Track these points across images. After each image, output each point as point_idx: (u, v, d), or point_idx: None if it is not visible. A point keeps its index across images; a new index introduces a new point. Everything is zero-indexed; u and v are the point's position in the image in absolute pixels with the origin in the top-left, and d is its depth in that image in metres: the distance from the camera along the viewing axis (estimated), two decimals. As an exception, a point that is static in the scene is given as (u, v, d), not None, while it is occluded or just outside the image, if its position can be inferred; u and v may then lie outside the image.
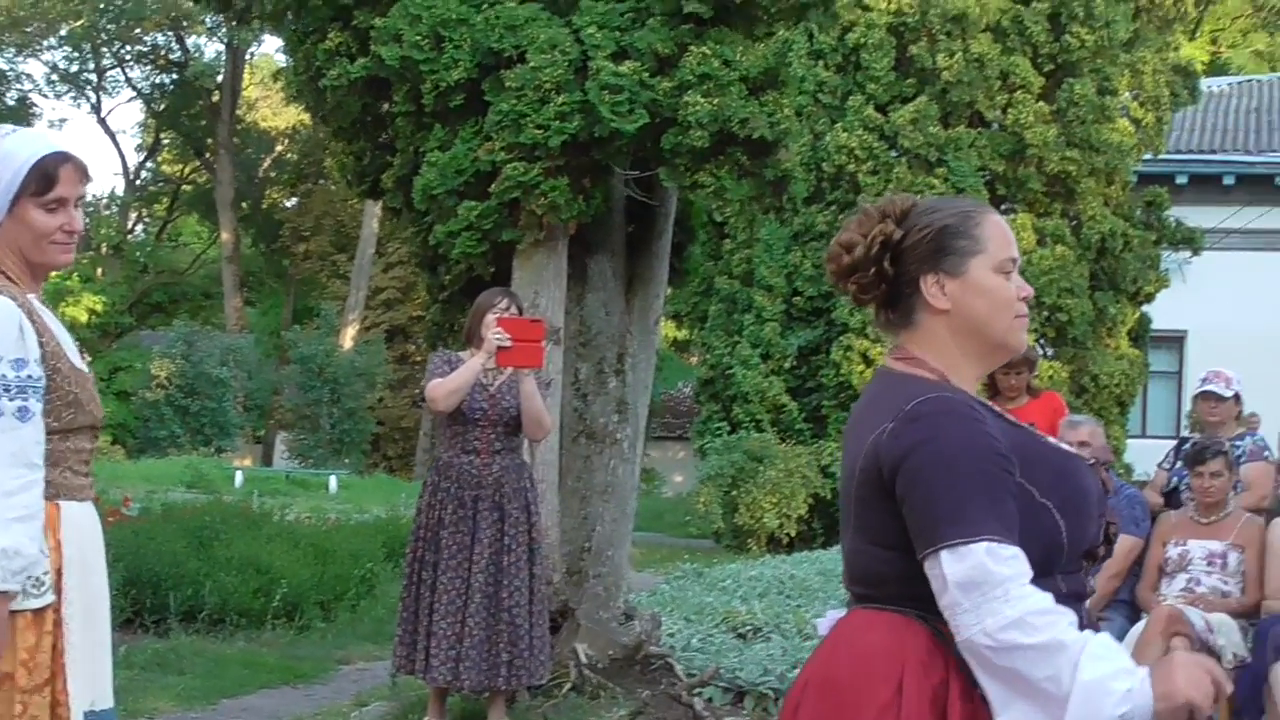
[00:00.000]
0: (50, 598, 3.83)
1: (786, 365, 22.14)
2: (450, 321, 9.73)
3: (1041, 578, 3.16)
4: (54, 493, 3.91)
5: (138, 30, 49.86)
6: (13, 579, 3.70)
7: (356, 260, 43.95)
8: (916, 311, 3.26)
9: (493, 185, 9.05)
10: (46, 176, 3.89)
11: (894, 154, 17.83)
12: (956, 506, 3.05)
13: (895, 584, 3.07)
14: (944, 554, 2.98)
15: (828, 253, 3.35)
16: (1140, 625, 8.70)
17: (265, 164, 51.00)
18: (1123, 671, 2.85)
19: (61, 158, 3.89)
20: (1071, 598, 3.25)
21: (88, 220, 40.46)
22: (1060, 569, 3.27)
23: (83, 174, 3.98)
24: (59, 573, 3.87)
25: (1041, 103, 17.16)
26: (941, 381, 3.24)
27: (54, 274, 5.05)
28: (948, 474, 3.13)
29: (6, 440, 3.77)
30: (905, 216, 3.39)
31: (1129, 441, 18.67)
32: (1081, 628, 3.19)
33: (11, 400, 3.75)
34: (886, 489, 3.04)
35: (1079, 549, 3.31)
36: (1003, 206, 17.89)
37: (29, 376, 3.81)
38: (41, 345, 3.87)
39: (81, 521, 4.03)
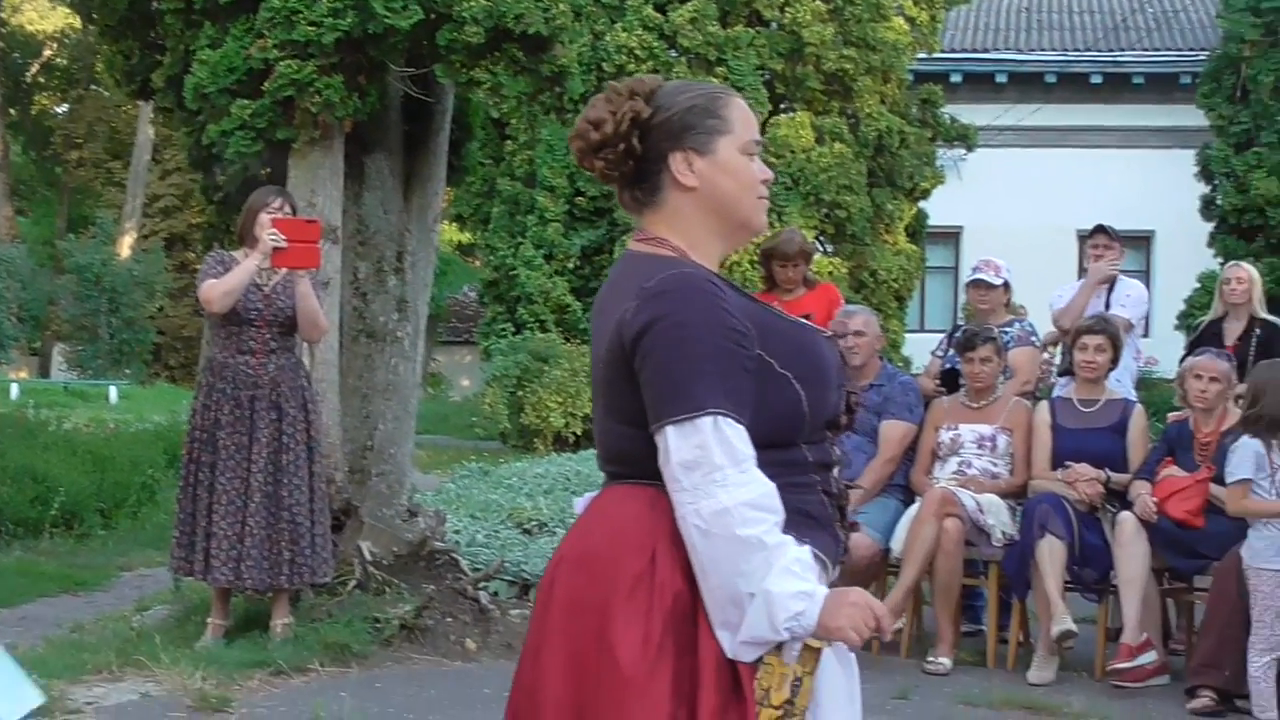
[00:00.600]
0: None
1: (570, 265, 22.15)
2: (226, 223, 9.62)
3: (786, 447, 3.30)
4: None
5: None
6: None
7: (132, 167, 43.21)
8: (663, 189, 3.26)
9: (266, 83, 8.92)
10: None
11: (674, 53, 17.86)
12: (685, 381, 3.09)
13: (645, 460, 3.07)
14: (670, 429, 3.02)
15: (574, 130, 3.30)
16: (914, 507, 8.84)
17: (33, 69, 49.79)
18: (803, 594, 2.96)
19: None
20: (818, 466, 3.37)
21: None
22: (804, 438, 3.33)
23: None
24: None
25: (819, 1, 17.26)
26: (683, 259, 3.24)
27: None
28: (679, 348, 3.14)
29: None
30: (653, 95, 3.39)
31: (907, 335, 18.99)
32: (830, 494, 3.40)
33: None
34: (630, 367, 3.06)
35: (821, 418, 3.35)
36: (782, 105, 18.04)
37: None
38: None
39: None
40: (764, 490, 3.07)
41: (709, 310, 3.21)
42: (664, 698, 2.93)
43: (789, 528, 3.24)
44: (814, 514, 3.36)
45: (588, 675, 3.01)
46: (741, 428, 3.10)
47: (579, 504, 3.47)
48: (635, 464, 3.14)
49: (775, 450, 3.25)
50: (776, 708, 3.13)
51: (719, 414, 3.09)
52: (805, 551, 3.12)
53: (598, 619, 3.04)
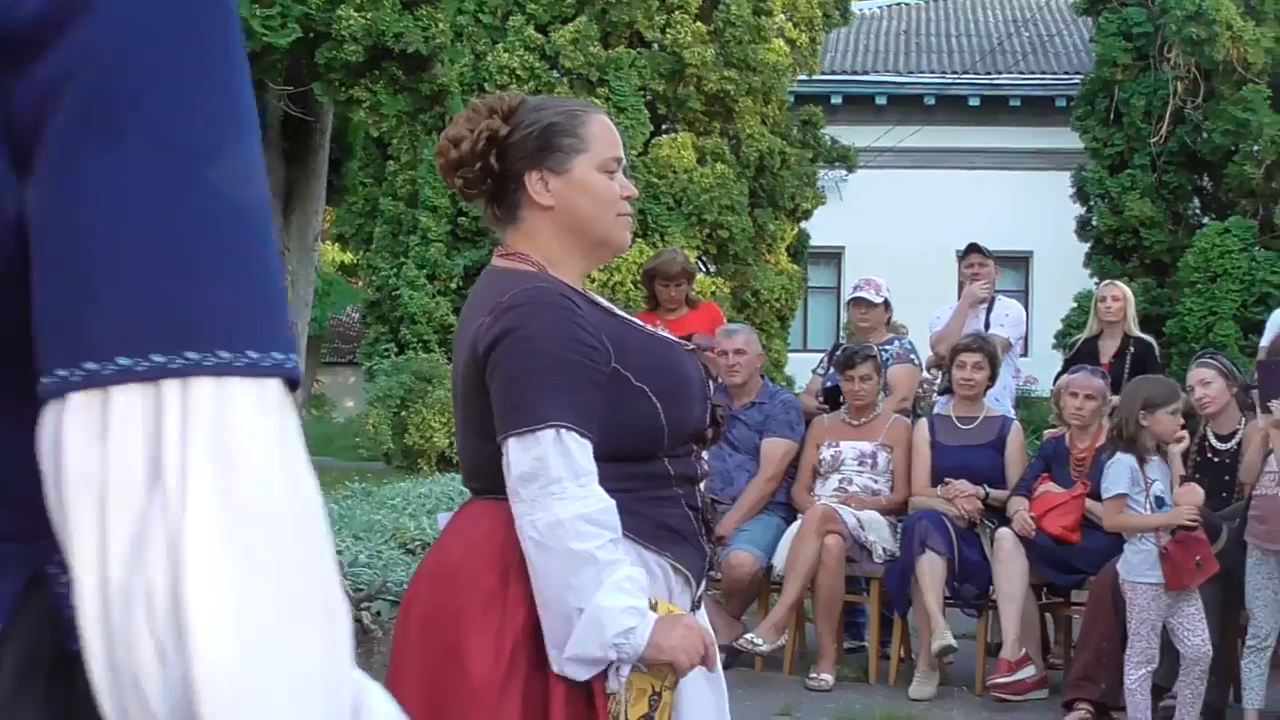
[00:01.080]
0: None
1: (454, 286, 22.05)
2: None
3: (647, 460, 3.33)
4: None
5: None
6: None
7: None
8: (521, 208, 3.28)
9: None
10: None
11: (556, 74, 17.87)
12: (528, 393, 3.10)
13: (501, 475, 3.05)
14: (511, 441, 3.03)
15: (436, 147, 3.34)
16: (796, 525, 8.86)
17: None
18: (634, 610, 2.95)
19: None
20: (681, 479, 3.38)
21: None
22: (665, 452, 3.34)
23: None
24: None
25: (699, 23, 17.32)
26: (541, 274, 3.25)
27: None
28: (525, 362, 3.15)
29: None
30: (513, 113, 3.41)
31: (790, 354, 19.02)
32: (692, 509, 3.41)
33: None
34: (483, 381, 3.08)
35: (682, 431, 3.37)
36: (664, 126, 18.06)
37: None
38: None
39: None
40: (601, 506, 3.06)
41: (558, 324, 3.23)
42: (514, 713, 2.91)
43: (651, 541, 3.29)
44: (676, 527, 3.37)
45: (442, 689, 3.01)
46: (586, 441, 3.11)
47: (442, 519, 3.52)
48: (493, 479, 3.11)
49: (636, 463, 3.30)
50: None
51: (561, 426, 3.09)
52: (639, 572, 3.13)
53: (452, 634, 3.04)
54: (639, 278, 12.20)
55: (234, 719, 1.16)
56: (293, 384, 1.27)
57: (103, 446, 1.19)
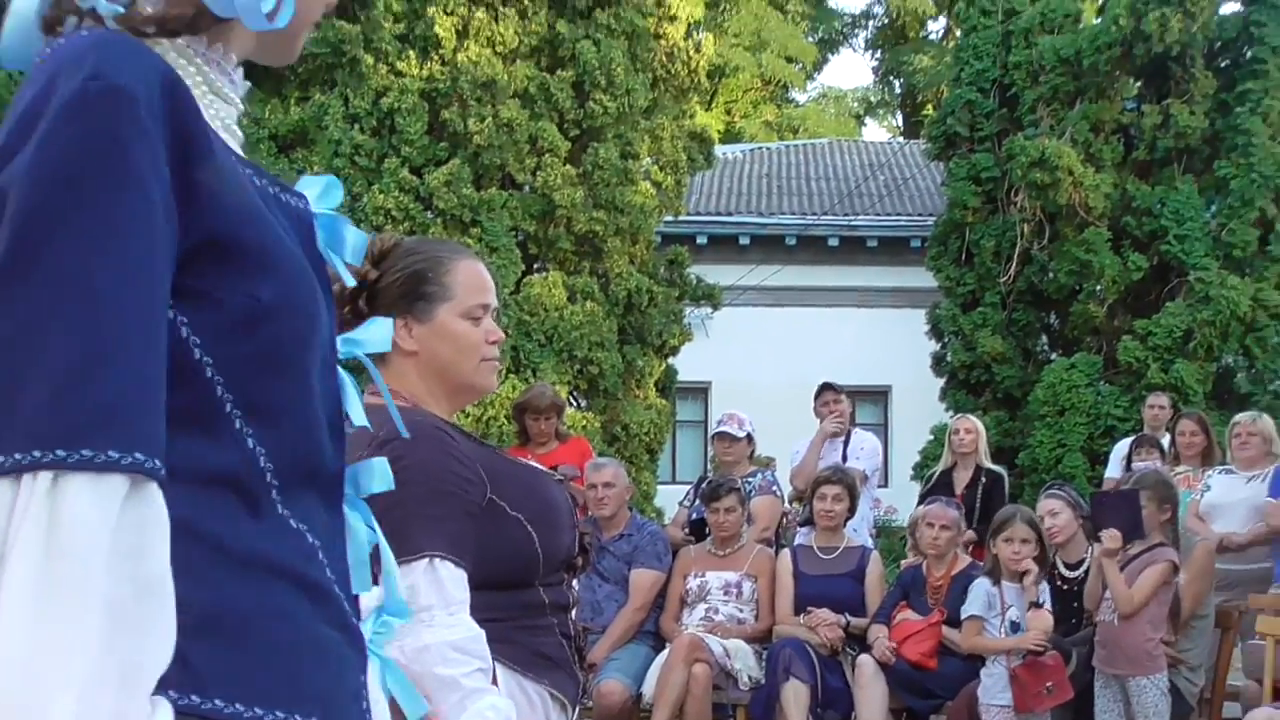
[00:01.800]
0: None
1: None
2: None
3: (523, 588, 3.36)
4: None
5: None
6: None
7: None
8: (389, 351, 3.13)
9: None
10: None
11: (430, 215, 17.86)
12: (403, 524, 2.97)
13: None
14: None
15: None
16: (664, 653, 8.87)
17: None
18: None
19: None
20: (555, 608, 3.42)
21: None
22: (540, 580, 3.39)
23: None
24: None
25: (569, 166, 17.36)
26: (414, 408, 3.20)
27: None
28: (400, 491, 2.43)
29: None
30: (384, 257, 3.36)
31: (659, 486, 18.99)
32: (565, 636, 3.43)
33: None
34: None
35: (555, 559, 3.42)
36: (535, 265, 18.10)
37: None
38: None
39: None
40: (469, 635, 3.04)
41: (433, 454, 3.23)
42: None
43: (528, 668, 3.32)
44: (551, 655, 3.40)
45: None
46: (460, 571, 3.12)
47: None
48: None
49: (512, 591, 3.33)
50: None
51: (435, 556, 3.10)
52: (506, 702, 3.09)
53: None
54: (510, 413, 12.22)
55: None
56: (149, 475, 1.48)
57: None
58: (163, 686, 1.50)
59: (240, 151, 1.82)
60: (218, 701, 1.58)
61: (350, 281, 1.97)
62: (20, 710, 1.41)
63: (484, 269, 3.53)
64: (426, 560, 3.11)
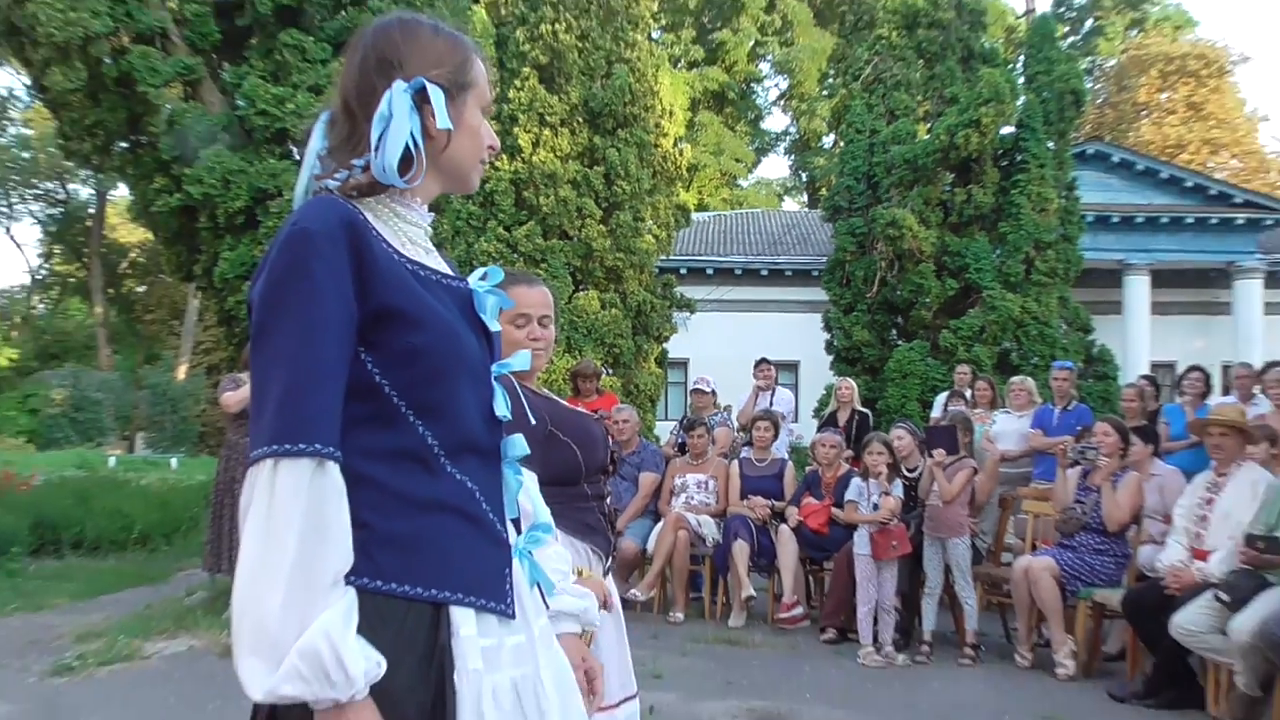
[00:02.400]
0: None
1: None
2: (237, 357, 9.41)
3: (573, 485, 3.33)
4: None
5: (33, 180, 47.64)
6: None
7: (185, 323, 42.38)
8: None
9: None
10: None
11: (516, 255, 18.03)
12: None
13: None
14: None
15: None
16: (661, 524, 8.88)
17: (123, 264, 48.56)
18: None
19: None
20: (594, 497, 3.41)
21: (5, 300, 38.01)
22: (584, 480, 3.38)
23: None
24: None
25: (601, 225, 17.37)
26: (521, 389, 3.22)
27: None
28: None
29: None
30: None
31: (657, 423, 18.95)
32: (602, 514, 3.43)
33: None
34: None
35: (593, 467, 3.40)
36: (580, 287, 18.01)
37: None
38: None
39: None
40: None
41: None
42: None
43: (577, 533, 3.30)
44: (592, 525, 3.39)
45: None
46: (531, 474, 3.08)
47: None
48: None
49: (567, 487, 3.28)
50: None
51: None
52: (563, 550, 2.78)
53: None
54: (567, 378, 12.22)
55: (237, 601, 1.64)
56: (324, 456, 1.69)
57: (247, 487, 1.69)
58: (353, 575, 1.69)
59: (428, 250, 1.98)
60: (392, 585, 1.74)
61: (495, 327, 2.00)
62: (252, 600, 1.62)
63: (548, 291, 3.36)
64: None
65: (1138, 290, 24.67)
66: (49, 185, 48.14)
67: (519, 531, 2.05)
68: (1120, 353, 20.13)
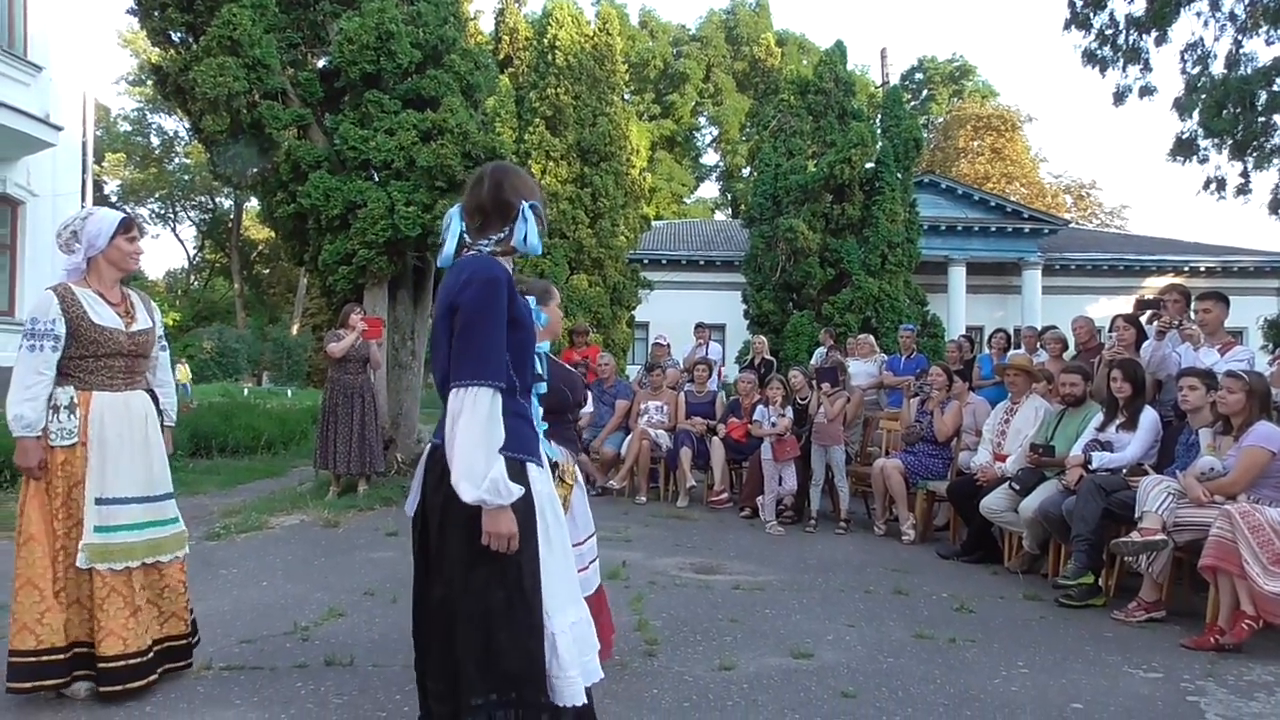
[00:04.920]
0: (75, 439, 3.29)
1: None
2: (335, 319, 9.25)
3: (561, 414, 3.48)
4: (88, 385, 3.34)
5: (191, 195, 46.79)
6: (22, 430, 3.24)
7: (297, 295, 41.80)
8: None
9: (354, 259, 8.65)
10: (126, 224, 3.46)
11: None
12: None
13: None
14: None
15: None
16: (630, 435, 8.80)
17: (253, 254, 47.86)
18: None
19: (130, 219, 3.50)
20: (573, 421, 3.69)
21: (173, 278, 37.26)
22: (569, 410, 3.60)
23: (139, 228, 3.58)
24: (86, 426, 3.32)
25: (590, 229, 17.33)
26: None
27: (160, 307, 4.52)
28: None
29: (27, 358, 3.26)
30: None
31: (629, 367, 18.97)
32: (577, 433, 3.73)
33: (30, 340, 3.26)
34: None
35: (576, 403, 3.66)
36: (573, 271, 17.84)
37: (46, 331, 3.26)
38: (66, 313, 3.30)
39: (106, 402, 3.35)
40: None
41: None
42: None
43: (564, 443, 3.45)
44: (570, 438, 3.60)
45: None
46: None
47: None
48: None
49: (559, 415, 3.42)
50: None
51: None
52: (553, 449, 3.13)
53: None
54: (565, 335, 12.13)
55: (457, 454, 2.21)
56: (499, 389, 2.26)
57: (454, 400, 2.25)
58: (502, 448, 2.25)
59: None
60: (510, 453, 2.28)
61: (539, 329, 2.56)
62: (469, 464, 2.18)
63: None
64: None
65: (957, 277, 24.77)
66: (202, 198, 47.35)
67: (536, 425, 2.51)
68: (945, 319, 20.22)
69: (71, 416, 3.30)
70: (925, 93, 49.28)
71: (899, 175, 18.04)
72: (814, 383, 7.88)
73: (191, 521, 6.92)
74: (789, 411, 7.65)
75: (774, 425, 7.59)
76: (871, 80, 40.11)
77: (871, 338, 10.30)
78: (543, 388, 2.54)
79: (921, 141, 19.53)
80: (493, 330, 2.24)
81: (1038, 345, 8.56)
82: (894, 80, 29.65)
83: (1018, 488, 5.84)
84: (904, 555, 6.51)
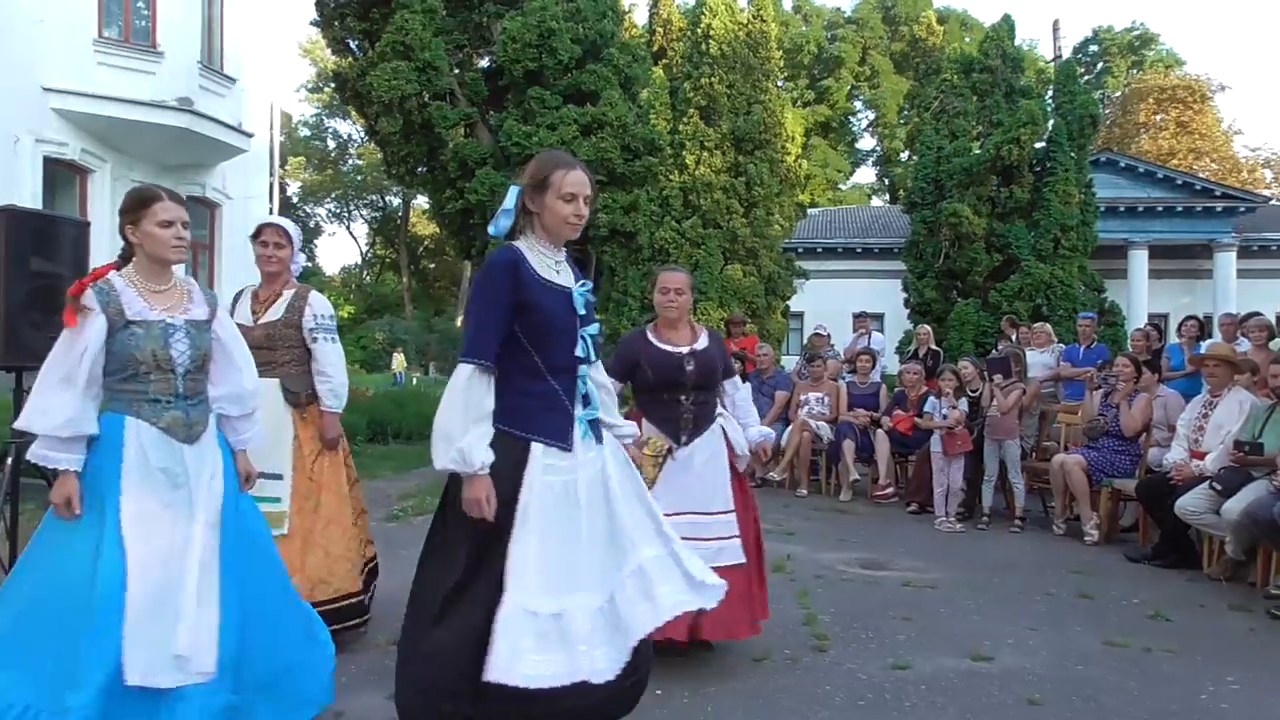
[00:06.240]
0: None
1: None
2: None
3: (652, 393, 3.61)
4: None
5: (363, 194, 49.37)
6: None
7: (461, 288, 43.42)
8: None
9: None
10: (256, 231, 3.76)
11: (685, 241, 18.02)
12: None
13: None
14: None
15: None
16: (789, 427, 8.67)
17: (420, 249, 50.11)
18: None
19: (266, 223, 3.76)
20: (671, 402, 3.60)
21: (347, 273, 39.08)
22: (662, 391, 3.60)
23: (278, 232, 3.75)
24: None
25: (743, 219, 17.21)
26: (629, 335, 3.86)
27: (336, 301, 4.69)
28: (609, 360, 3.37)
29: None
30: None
31: (782, 358, 18.77)
32: (678, 413, 3.61)
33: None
34: None
35: (667, 385, 3.61)
36: (727, 261, 17.76)
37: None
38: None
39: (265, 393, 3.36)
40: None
41: (620, 350, 3.65)
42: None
43: (655, 423, 3.60)
44: (665, 418, 3.61)
45: None
46: (620, 384, 3.50)
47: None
48: None
49: (652, 394, 3.60)
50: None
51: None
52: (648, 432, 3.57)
53: None
54: (721, 325, 12.09)
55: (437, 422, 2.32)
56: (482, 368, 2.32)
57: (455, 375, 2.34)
58: (495, 420, 2.32)
59: (558, 271, 2.45)
60: (504, 426, 2.32)
61: (581, 311, 2.45)
62: (443, 432, 2.28)
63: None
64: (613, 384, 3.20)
65: (1139, 261, 23.19)
66: (373, 197, 49.89)
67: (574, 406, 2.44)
68: (1125, 307, 18.99)
69: None
70: (1101, 65, 46.22)
71: (1073, 155, 17.04)
72: (985, 374, 7.55)
73: (372, 504, 7.27)
74: (962, 404, 7.36)
75: (945, 418, 7.30)
76: (1041, 55, 38.07)
77: (1048, 327, 9.78)
78: (595, 370, 2.52)
79: (1098, 118, 18.37)
80: (484, 311, 2.32)
81: (1238, 334, 7.90)
82: (1066, 54, 28.03)
83: (1220, 488, 5.40)
84: (1086, 557, 6.14)
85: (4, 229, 4.38)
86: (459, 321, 41.16)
